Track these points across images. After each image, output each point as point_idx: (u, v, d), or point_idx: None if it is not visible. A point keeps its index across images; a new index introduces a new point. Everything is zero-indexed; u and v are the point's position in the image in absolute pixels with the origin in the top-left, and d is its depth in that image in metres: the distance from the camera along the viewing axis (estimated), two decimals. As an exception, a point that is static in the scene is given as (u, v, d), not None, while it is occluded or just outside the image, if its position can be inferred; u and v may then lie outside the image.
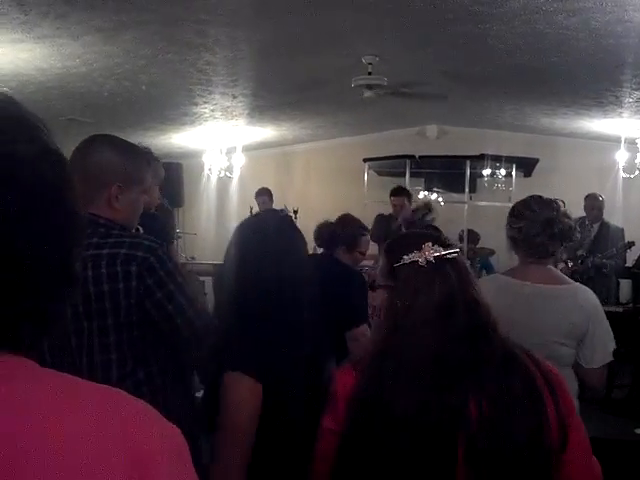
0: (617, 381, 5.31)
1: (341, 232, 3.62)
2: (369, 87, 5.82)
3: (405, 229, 6.25)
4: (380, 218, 6.68)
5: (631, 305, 6.36)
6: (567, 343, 2.33)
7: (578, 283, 2.49)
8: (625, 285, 7.58)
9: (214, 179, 8.45)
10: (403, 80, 6.19)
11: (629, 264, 7.44)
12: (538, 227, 2.34)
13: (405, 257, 1.50)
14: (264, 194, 7.53)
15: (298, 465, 1.55)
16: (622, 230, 6.97)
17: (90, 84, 5.83)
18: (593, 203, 6.92)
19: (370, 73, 5.67)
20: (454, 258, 1.51)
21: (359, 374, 1.45)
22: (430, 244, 1.50)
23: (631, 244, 6.78)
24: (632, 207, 7.81)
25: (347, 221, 3.71)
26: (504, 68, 5.84)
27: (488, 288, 1.75)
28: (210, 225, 7.99)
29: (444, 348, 1.41)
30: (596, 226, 6.89)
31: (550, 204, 2.39)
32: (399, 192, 6.54)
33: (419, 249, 1.49)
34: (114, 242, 1.83)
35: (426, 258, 1.48)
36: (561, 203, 2.42)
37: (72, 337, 1.78)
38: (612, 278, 6.85)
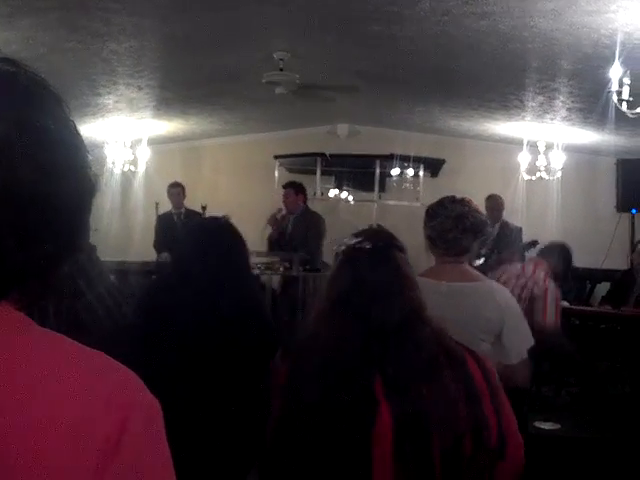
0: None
1: None
2: (280, 83, 5.75)
3: (292, 220, 6.46)
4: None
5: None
6: (485, 339, 2.38)
7: (492, 280, 2.55)
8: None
9: (117, 173, 8.14)
10: (315, 78, 6.16)
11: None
12: (451, 222, 2.44)
13: (335, 248, 1.69)
14: (177, 186, 7.52)
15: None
16: (521, 229, 7.25)
17: (-16, 71, 5.47)
18: (493, 204, 7.15)
19: (282, 69, 5.59)
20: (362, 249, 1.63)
21: (290, 362, 1.62)
22: (352, 237, 1.64)
23: (534, 243, 7.03)
24: (533, 208, 8.11)
25: None
26: (414, 69, 5.91)
27: None
28: (113, 221, 7.68)
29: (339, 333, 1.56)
30: (497, 226, 7.12)
31: (462, 201, 2.51)
32: (287, 185, 6.85)
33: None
34: None
35: (342, 249, 1.64)
36: (473, 201, 2.55)
37: None
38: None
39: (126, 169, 8.08)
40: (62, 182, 0.70)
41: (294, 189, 6.73)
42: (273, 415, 1.57)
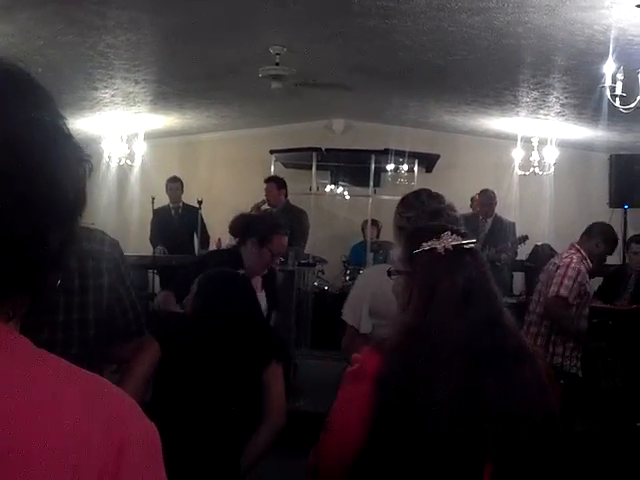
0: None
1: (257, 224, 3.55)
2: (276, 78, 5.77)
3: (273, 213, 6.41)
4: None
5: (524, 297, 6.65)
6: None
7: None
8: (518, 278, 7.94)
9: (114, 167, 8.15)
10: (311, 72, 6.19)
11: (522, 257, 7.79)
12: (425, 217, 2.42)
13: (424, 244, 1.53)
14: (176, 181, 7.53)
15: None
16: (514, 224, 7.30)
17: (-19, 64, 5.48)
18: (486, 199, 7.21)
19: (278, 64, 5.61)
20: (472, 249, 1.56)
21: (385, 356, 1.46)
22: (449, 233, 1.54)
23: (525, 238, 7.09)
24: (526, 203, 8.16)
25: (266, 216, 3.64)
26: (409, 64, 5.94)
27: (379, 277, 1.82)
28: (109, 215, 7.69)
29: (469, 334, 1.44)
30: (490, 221, 7.19)
31: (438, 197, 2.55)
32: (268, 179, 6.83)
33: (438, 238, 1.53)
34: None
35: (445, 246, 1.51)
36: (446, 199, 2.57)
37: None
38: (505, 270, 7.14)
39: (122, 163, 8.08)
40: (51, 185, 0.68)
41: (276, 183, 6.72)
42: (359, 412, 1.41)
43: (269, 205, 6.72)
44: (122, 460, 0.67)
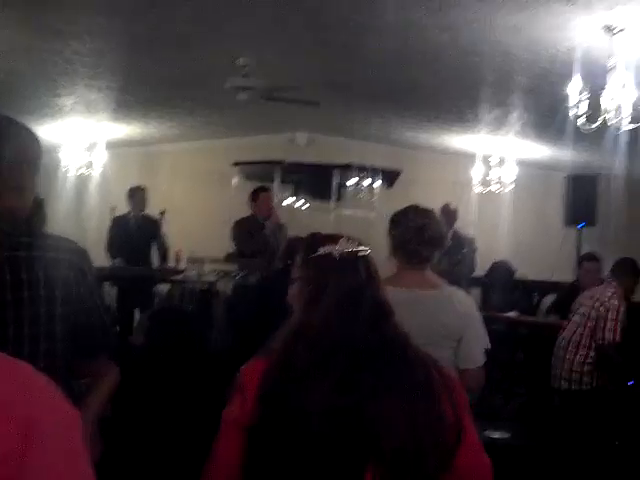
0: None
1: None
2: (244, 89, 5.76)
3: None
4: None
5: (482, 313, 6.73)
6: (443, 344, 2.42)
7: (454, 287, 2.60)
8: (475, 293, 8.05)
9: (72, 176, 8.00)
10: (277, 84, 6.19)
11: (480, 273, 7.91)
12: (411, 233, 2.49)
13: (321, 249, 1.54)
14: (143, 190, 7.27)
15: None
16: (473, 239, 7.41)
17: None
18: (446, 214, 7.30)
19: (245, 75, 5.61)
20: (366, 256, 1.56)
21: (269, 364, 1.44)
22: (346, 239, 1.55)
23: (474, 249, 7.28)
24: (485, 220, 8.28)
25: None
26: (375, 80, 6.00)
27: None
28: (67, 224, 7.54)
29: (350, 332, 1.45)
30: (449, 234, 7.27)
31: (425, 213, 2.56)
32: (265, 189, 6.63)
33: (335, 243, 1.54)
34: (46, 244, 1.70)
35: (340, 252, 1.52)
36: (436, 213, 2.63)
37: None
38: (461, 285, 7.22)
39: (81, 173, 7.95)
40: None
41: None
42: (242, 421, 1.40)
43: (260, 216, 6.35)
44: (30, 440, 0.67)
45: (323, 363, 1.41)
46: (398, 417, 1.39)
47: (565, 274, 7.73)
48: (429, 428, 1.41)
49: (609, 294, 4.47)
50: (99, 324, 1.84)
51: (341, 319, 1.46)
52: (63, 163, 7.79)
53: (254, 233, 6.23)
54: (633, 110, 3.77)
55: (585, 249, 7.63)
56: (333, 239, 1.56)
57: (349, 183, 8.12)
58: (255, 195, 6.43)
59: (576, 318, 4.63)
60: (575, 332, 4.57)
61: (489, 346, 2.55)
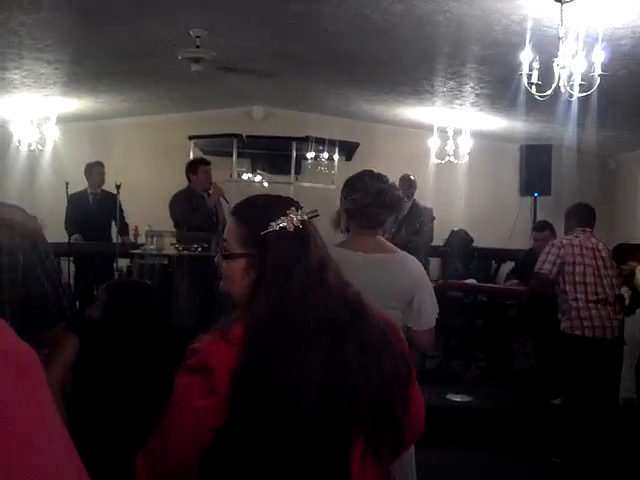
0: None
1: None
2: (197, 60, 5.66)
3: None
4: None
5: (441, 281, 6.85)
6: (396, 307, 2.50)
7: (405, 252, 2.66)
8: (435, 262, 8.17)
9: (24, 152, 7.81)
10: (232, 56, 6.11)
11: (439, 243, 8.02)
12: (370, 197, 2.51)
13: (272, 224, 1.46)
14: (101, 165, 7.16)
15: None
16: (431, 210, 7.50)
17: None
18: (405, 184, 7.35)
19: (198, 46, 5.52)
20: (311, 222, 1.53)
21: (239, 346, 1.37)
22: (294, 209, 1.49)
23: (432, 218, 7.40)
24: (442, 191, 8.39)
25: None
26: (330, 51, 5.96)
27: None
28: (21, 201, 7.38)
29: (329, 306, 1.44)
30: (407, 204, 7.33)
31: (381, 177, 2.60)
32: (208, 162, 6.42)
33: (285, 215, 1.48)
34: None
35: (293, 224, 1.47)
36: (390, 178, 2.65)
37: None
38: (422, 255, 7.32)
39: (33, 148, 7.76)
40: None
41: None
42: (211, 406, 1.35)
43: (202, 190, 6.18)
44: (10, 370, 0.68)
45: (311, 342, 1.38)
46: (370, 372, 1.44)
47: (520, 242, 7.90)
48: (395, 376, 1.48)
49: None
50: (52, 293, 1.81)
51: (316, 292, 1.43)
52: (14, 138, 7.59)
53: (196, 206, 6.06)
54: (583, 79, 3.83)
55: (540, 217, 7.80)
56: (281, 210, 1.49)
57: (308, 156, 8.11)
58: (194, 167, 6.23)
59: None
60: None
61: (438, 311, 2.64)
